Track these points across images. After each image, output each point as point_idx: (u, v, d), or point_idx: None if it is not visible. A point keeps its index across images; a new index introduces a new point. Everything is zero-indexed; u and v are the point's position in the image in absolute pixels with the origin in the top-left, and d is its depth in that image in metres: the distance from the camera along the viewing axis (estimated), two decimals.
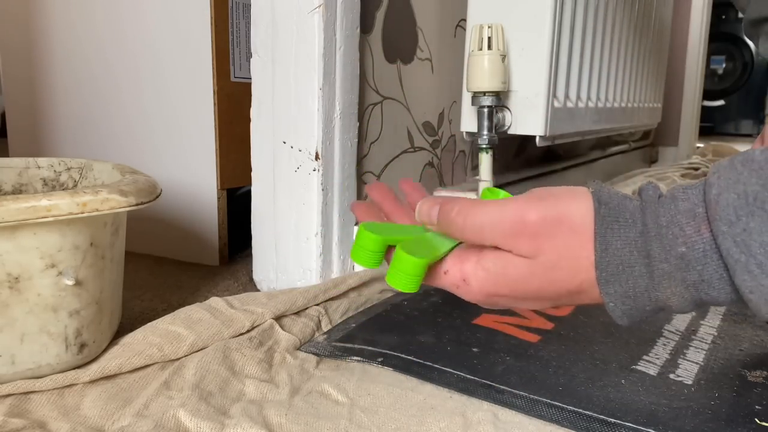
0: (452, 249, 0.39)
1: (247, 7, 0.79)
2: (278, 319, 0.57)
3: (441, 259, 0.38)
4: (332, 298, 0.63)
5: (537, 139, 0.81)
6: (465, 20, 0.80)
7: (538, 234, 0.35)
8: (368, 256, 0.41)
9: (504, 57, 0.74)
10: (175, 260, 0.85)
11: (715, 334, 0.59)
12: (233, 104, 0.79)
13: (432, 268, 0.38)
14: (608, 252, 0.33)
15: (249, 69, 0.69)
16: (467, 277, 0.37)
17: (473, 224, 0.36)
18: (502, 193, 0.43)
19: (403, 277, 0.38)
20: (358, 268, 0.72)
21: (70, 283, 0.45)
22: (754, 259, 0.29)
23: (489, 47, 0.73)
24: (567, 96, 0.88)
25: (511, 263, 0.36)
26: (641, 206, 0.33)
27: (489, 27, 0.73)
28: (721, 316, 0.63)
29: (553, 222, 0.35)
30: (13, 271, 0.42)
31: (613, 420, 0.43)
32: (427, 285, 0.39)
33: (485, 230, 0.36)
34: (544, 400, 0.46)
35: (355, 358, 0.53)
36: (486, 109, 0.75)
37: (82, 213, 0.43)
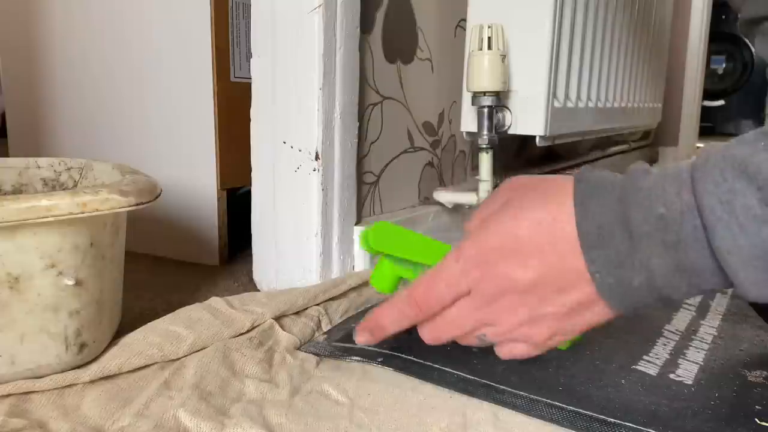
0: None
1: (247, 7, 0.79)
2: (278, 319, 0.57)
3: None
4: (332, 298, 0.63)
5: (537, 139, 0.81)
6: (465, 20, 0.80)
7: (527, 240, 0.37)
8: (385, 282, 0.49)
9: (504, 57, 0.74)
10: (175, 260, 0.85)
11: (716, 334, 0.59)
12: (233, 104, 0.79)
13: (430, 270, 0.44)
14: (587, 218, 0.34)
15: (249, 69, 0.69)
16: (460, 245, 0.41)
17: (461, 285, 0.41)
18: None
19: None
20: (358, 267, 0.72)
21: (70, 283, 0.44)
22: (736, 219, 0.29)
23: (489, 47, 0.73)
24: (567, 96, 0.88)
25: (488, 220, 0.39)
26: (623, 177, 0.34)
27: (489, 27, 0.73)
28: (721, 316, 0.63)
29: (527, 186, 0.39)
30: (13, 271, 0.42)
31: (613, 420, 0.43)
32: (436, 297, 0.44)
33: (470, 276, 0.40)
34: (544, 400, 0.46)
35: (355, 358, 0.53)
36: (486, 109, 0.75)
37: (82, 213, 0.43)
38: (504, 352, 0.44)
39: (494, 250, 0.38)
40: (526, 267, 0.37)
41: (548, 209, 0.36)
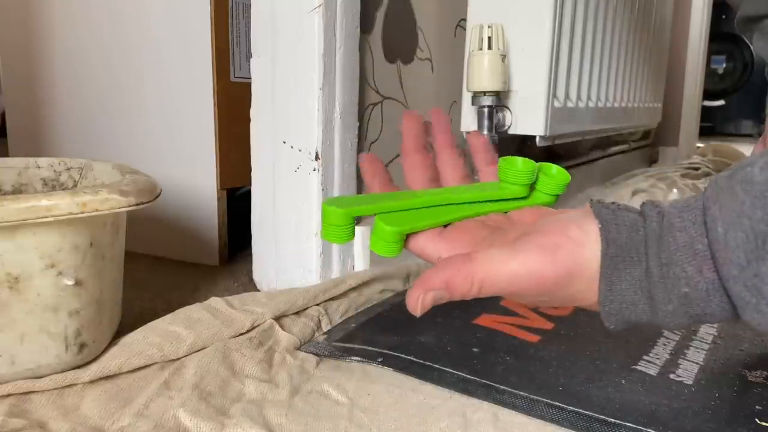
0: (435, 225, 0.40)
1: (247, 7, 0.79)
2: (278, 319, 0.57)
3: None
4: (332, 298, 0.63)
5: (537, 139, 0.81)
6: (465, 20, 0.80)
7: (554, 289, 0.35)
8: (335, 232, 0.41)
9: (504, 57, 0.74)
10: (175, 260, 0.85)
11: (716, 334, 0.59)
12: (233, 104, 0.79)
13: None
14: (612, 292, 0.33)
15: (249, 69, 0.69)
16: (473, 271, 0.37)
17: (489, 290, 0.36)
18: (520, 161, 0.42)
19: (382, 244, 0.39)
20: (358, 267, 0.72)
21: (70, 283, 0.44)
22: (765, 300, 0.29)
23: (489, 47, 0.73)
24: (567, 96, 0.88)
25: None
26: (645, 239, 0.33)
27: (489, 27, 0.73)
28: None
29: (568, 276, 0.34)
30: (13, 271, 0.42)
31: (613, 420, 0.43)
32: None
33: (502, 291, 0.36)
34: (544, 400, 0.46)
35: (355, 358, 0.53)
36: (486, 109, 0.75)
37: (82, 213, 0.43)
38: None
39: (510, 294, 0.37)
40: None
41: (588, 269, 0.34)
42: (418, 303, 0.36)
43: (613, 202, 0.35)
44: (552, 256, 0.34)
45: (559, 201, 0.46)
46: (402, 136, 0.44)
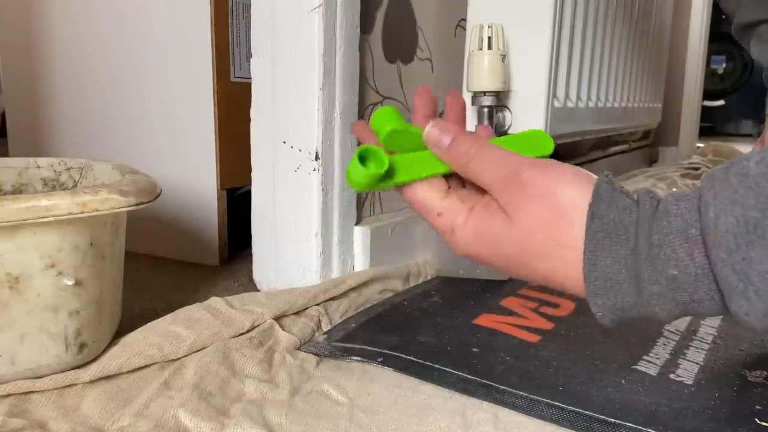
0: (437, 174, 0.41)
1: (247, 7, 0.79)
2: (278, 319, 0.57)
3: (440, 197, 0.40)
4: (332, 298, 0.63)
5: None
6: (465, 20, 0.80)
7: (523, 193, 0.36)
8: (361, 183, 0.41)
9: (504, 57, 0.74)
10: (175, 260, 0.85)
11: (716, 334, 0.59)
12: (233, 104, 0.79)
13: (428, 200, 0.40)
14: (597, 267, 0.33)
15: (249, 69, 0.69)
16: (456, 229, 0.39)
17: (476, 167, 0.38)
18: (516, 135, 0.43)
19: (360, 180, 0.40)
20: (358, 267, 0.72)
21: (70, 283, 0.44)
22: (753, 286, 0.29)
23: (489, 47, 0.73)
24: (567, 96, 0.88)
25: (493, 220, 0.37)
26: (637, 221, 0.33)
27: (489, 27, 0.73)
28: (721, 317, 0.63)
29: (540, 191, 0.35)
30: (13, 271, 0.42)
31: (613, 420, 0.43)
32: (421, 218, 0.41)
33: (484, 173, 0.38)
34: (544, 400, 0.46)
35: (355, 358, 0.53)
36: (486, 109, 0.75)
37: (82, 213, 0.43)
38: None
39: (490, 260, 0.39)
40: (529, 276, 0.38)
41: (560, 268, 0.35)
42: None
43: (621, 186, 0.35)
44: (541, 167, 0.37)
45: None
46: (413, 108, 0.44)
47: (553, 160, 0.38)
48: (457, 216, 0.39)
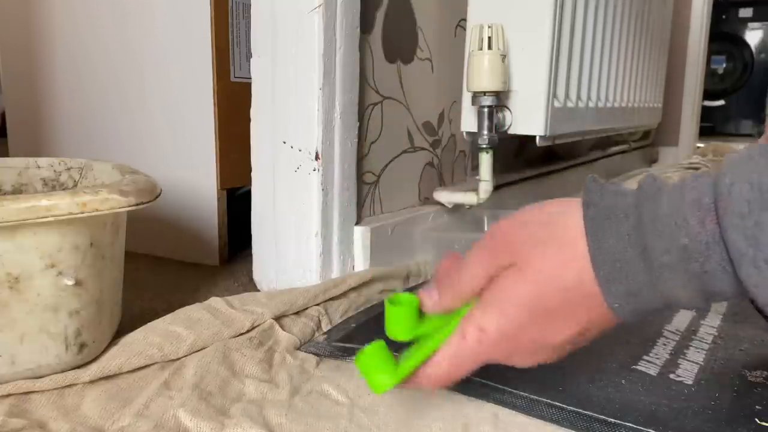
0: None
1: (247, 7, 0.79)
2: (278, 319, 0.57)
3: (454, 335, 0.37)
4: (332, 298, 0.63)
5: (537, 139, 0.81)
6: (465, 20, 0.80)
7: (506, 236, 0.35)
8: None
9: (504, 57, 0.74)
10: (175, 260, 0.85)
11: (716, 334, 0.59)
12: (233, 104, 0.79)
13: (449, 346, 0.37)
14: (602, 249, 0.32)
15: (249, 69, 0.69)
16: (481, 325, 0.36)
17: (463, 275, 0.36)
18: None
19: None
20: (358, 267, 0.72)
21: (70, 283, 0.44)
22: (762, 253, 0.28)
23: (489, 47, 0.73)
24: (567, 96, 0.88)
25: (503, 279, 0.35)
26: (636, 200, 0.32)
27: (489, 27, 0.73)
28: (721, 316, 0.63)
29: (522, 223, 0.34)
30: (13, 271, 0.42)
31: (613, 420, 0.43)
32: (458, 366, 0.38)
33: (471, 270, 0.36)
34: (544, 400, 0.46)
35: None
36: (486, 109, 0.75)
37: (82, 213, 0.43)
38: None
39: (524, 327, 0.35)
40: (563, 332, 0.35)
41: (566, 262, 0.33)
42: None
43: (609, 181, 0.35)
44: (510, 217, 0.35)
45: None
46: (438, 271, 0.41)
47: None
48: (473, 317, 0.36)
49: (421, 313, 0.39)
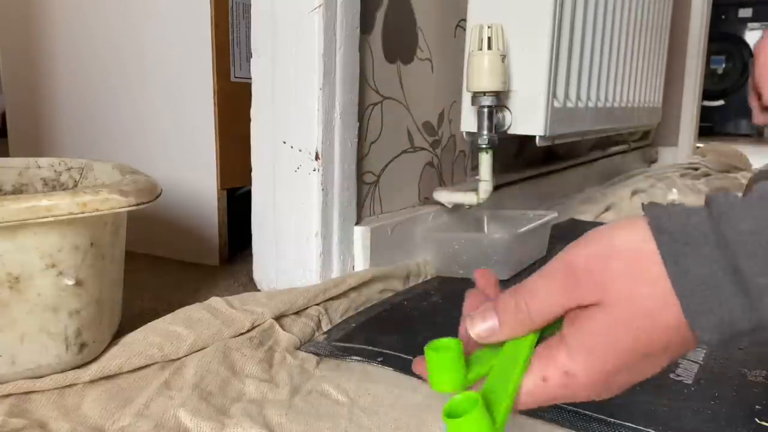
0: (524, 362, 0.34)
1: (247, 7, 0.79)
2: (278, 318, 0.57)
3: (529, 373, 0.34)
4: (332, 298, 0.63)
5: (537, 139, 0.81)
6: (465, 20, 0.80)
7: (592, 273, 0.31)
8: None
9: (504, 57, 0.74)
10: (175, 260, 0.85)
11: None
12: (233, 104, 0.79)
13: (526, 389, 0.33)
14: (687, 276, 0.29)
15: (249, 69, 0.69)
16: (567, 368, 0.32)
17: (535, 303, 0.32)
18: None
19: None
20: (358, 267, 0.72)
21: (70, 283, 0.45)
22: None
23: (489, 47, 0.73)
24: (567, 96, 0.88)
25: (591, 322, 0.32)
26: (709, 217, 0.29)
27: (489, 27, 0.73)
28: None
29: (603, 257, 0.31)
30: (14, 271, 0.42)
31: (612, 420, 0.43)
32: (532, 407, 0.34)
33: (547, 300, 0.32)
34: None
35: (355, 357, 0.53)
36: (486, 109, 0.75)
37: (83, 213, 0.43)
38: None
39: (620, 372, 0.32)
40: (655, 369, 0.32)
41: (663, 299, 0.30)
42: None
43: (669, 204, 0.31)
44: (583, 243, 0.31)
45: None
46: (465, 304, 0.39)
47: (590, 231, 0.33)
48: (557, 358, 0.33)
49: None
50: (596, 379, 0.32)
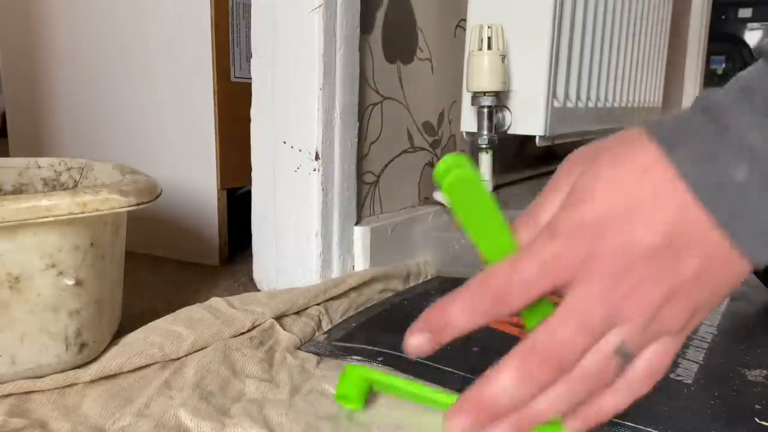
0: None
1: (247, 7, 0.79)
2: (279, 318, 0.57)
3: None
4: (332, 298, 0.63)
5: (537, 139, 0.81)
6: (465, 20, 0.80)
7: (576, 167, 0.31)
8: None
9: (504, 57, 0.74)
10: (175, 260, 0.85)
11: (715, 333, 0.59)
12: (233, 104, 0.79)
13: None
14: (681, 146, 0.28)
15: (249, 69, 0.69)
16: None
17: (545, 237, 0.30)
18: None
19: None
20: (358, 267, 0.72)
21: (71, 283, 0.45)
22: None
23: (489, 47, 0.73)
24: (567, 96, 0.88)
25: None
26: (710, 105, 0.28)
27: (489, 27, 0.73)
28: (720, 316, 0.63)
29: (591, 152, 0.32)
30: (14, 271, 0.42)
31: (612, 420, 0.43)
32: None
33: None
34: None
35: (356, 357, 0.53)
36: (486, 109, 0.75)
37: (83, 213, 0.43)
38: (652, 363, 0.31)
39: (603, 217, 0.29)
40: (653, 226, 0.28)
41: (641, 155, 0.29)
42: None
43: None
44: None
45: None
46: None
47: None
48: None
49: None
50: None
